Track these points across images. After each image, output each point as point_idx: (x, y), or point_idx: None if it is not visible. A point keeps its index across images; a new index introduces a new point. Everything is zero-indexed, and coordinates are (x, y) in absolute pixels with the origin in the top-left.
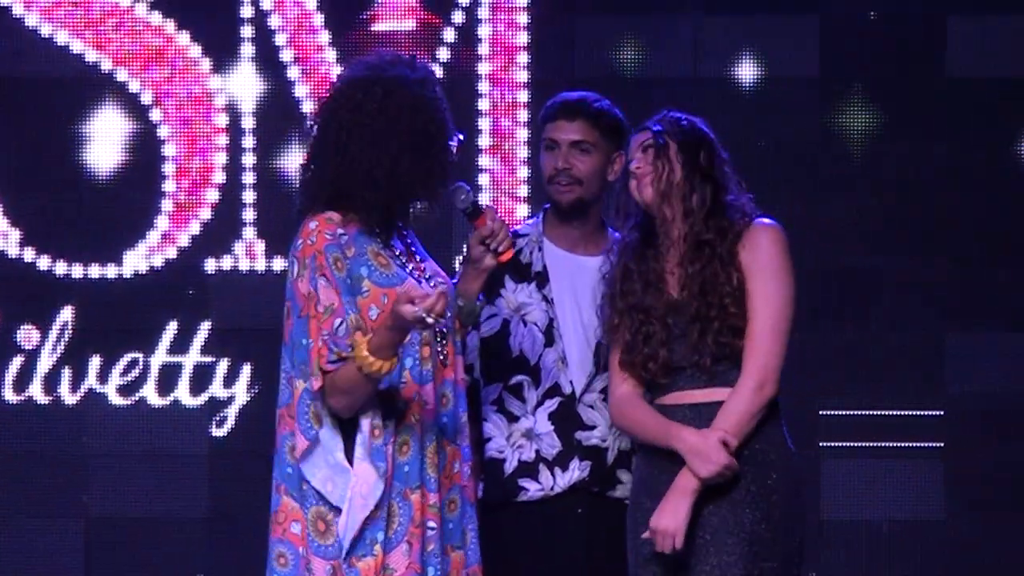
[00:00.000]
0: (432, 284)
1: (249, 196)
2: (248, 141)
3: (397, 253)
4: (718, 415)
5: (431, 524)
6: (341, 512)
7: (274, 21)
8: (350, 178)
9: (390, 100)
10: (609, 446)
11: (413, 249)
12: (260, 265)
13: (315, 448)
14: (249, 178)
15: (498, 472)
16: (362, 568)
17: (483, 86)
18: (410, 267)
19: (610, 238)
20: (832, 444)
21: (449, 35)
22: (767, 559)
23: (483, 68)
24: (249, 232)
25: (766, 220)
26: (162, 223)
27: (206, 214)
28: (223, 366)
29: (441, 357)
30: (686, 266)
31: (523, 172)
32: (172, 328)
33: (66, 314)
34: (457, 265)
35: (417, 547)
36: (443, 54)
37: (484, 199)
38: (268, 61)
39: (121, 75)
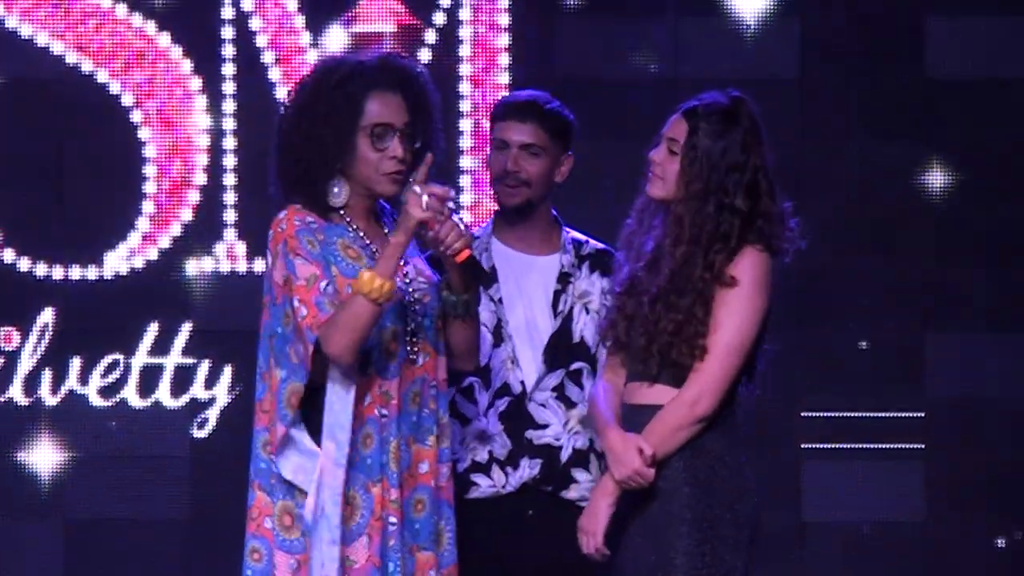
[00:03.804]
0: (412, 287)
1: (230, 198)
2: (229, 142)
3: (374, 251)
4: (649, 423)
5: (392, 519)
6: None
7: (255, 22)
8: (284, 156)
9: (324, 77)
10: (563, 445)
11: None
12: (241, 267)
13: (290, 436)
14: (230, 180)
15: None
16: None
17: (464, 87)
18: None
19: (564, 236)
20: (813, 446)
21: (430, 36)
22: (708, 564)
23: (464, 69)
24: (230, 234)
25: (754, 246)
26: (143, 224)
27: (187, 216)
28: (204, 368)
29: (411, 357)
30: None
31: None
32: (153, 330)
33: (47, 315)
34: None
35: (377, 540)
36: (424, 55)
37: (465, 200)
38: (249, 62)
39: (102, 76)
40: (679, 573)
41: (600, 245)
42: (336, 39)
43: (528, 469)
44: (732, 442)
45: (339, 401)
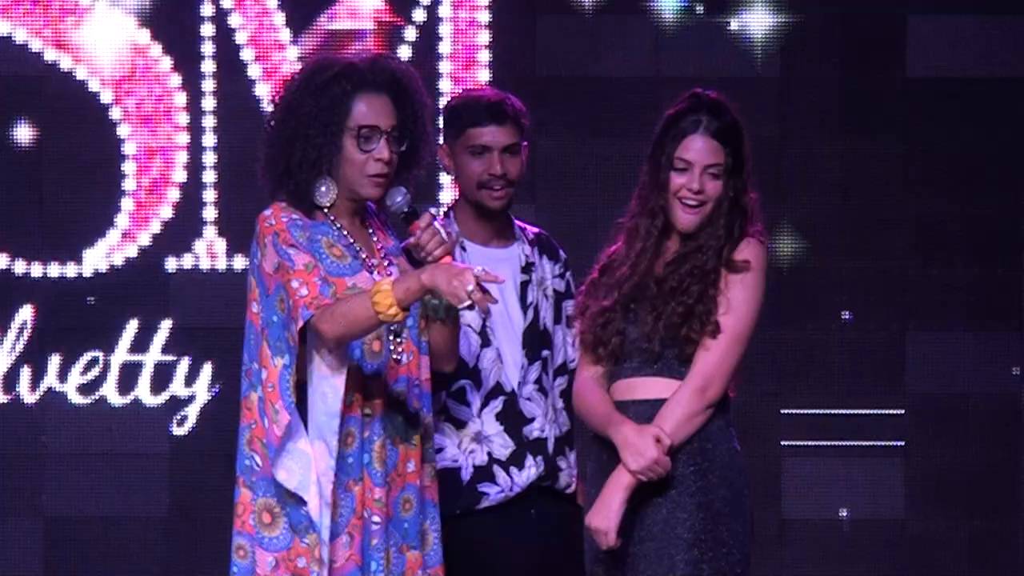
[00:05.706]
0: None
1: (210, 195)
2: (209, 139)
3: (358, 250)
4: (658, 413)
5: (375, 519)
6: (299, 498)
7: (235, 20)
8: (271, 154)
9: (313, 76)
10: (548, 435)
11: (383, 254)
12: (221, 264)
13: (291, 426)
14: (210, 177)
15: (455, 482)
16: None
17: (444, 84)
18: (372, 263)
19: (516, 226)
20: (793, 443)
21: (410, 33)
22: (711, 558)
23: (444, 67)
24: (210, 231)
25: (755, 237)
26: (122, 222)
27: (167, 213)
28: (184, 365)
29: (395, 356)
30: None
31: None
32: (132, 327)
33: (25, 313)
34: None
35: (359, 539)
36: (404, 52)
37: (445, 198)
38: (229, 59)
39: (81, 73)
40: (686, 560)
41: (536, 229)
42: (316, 36)
43: (534, 468)
44: (728, 424)
45: (325, 402)
